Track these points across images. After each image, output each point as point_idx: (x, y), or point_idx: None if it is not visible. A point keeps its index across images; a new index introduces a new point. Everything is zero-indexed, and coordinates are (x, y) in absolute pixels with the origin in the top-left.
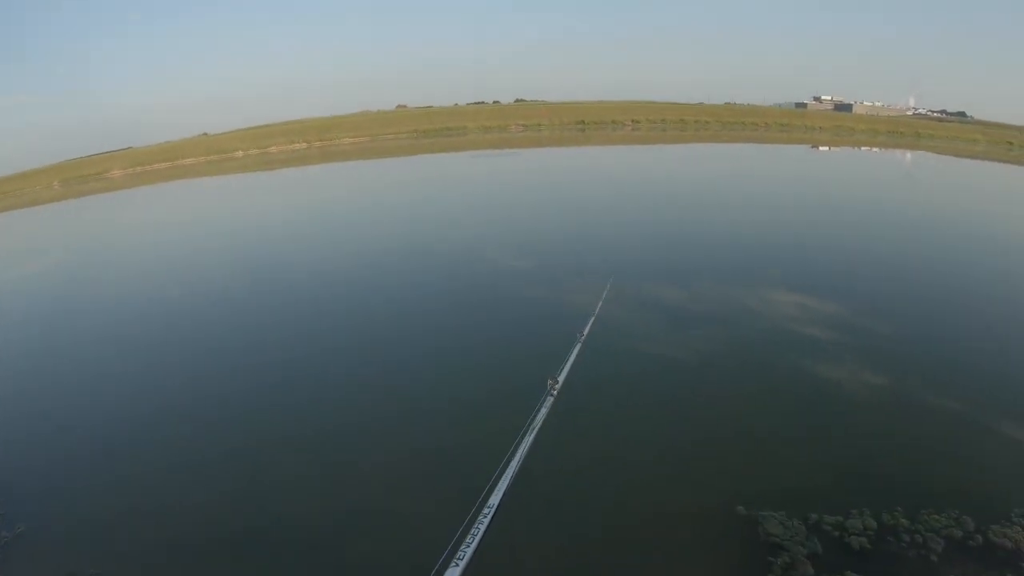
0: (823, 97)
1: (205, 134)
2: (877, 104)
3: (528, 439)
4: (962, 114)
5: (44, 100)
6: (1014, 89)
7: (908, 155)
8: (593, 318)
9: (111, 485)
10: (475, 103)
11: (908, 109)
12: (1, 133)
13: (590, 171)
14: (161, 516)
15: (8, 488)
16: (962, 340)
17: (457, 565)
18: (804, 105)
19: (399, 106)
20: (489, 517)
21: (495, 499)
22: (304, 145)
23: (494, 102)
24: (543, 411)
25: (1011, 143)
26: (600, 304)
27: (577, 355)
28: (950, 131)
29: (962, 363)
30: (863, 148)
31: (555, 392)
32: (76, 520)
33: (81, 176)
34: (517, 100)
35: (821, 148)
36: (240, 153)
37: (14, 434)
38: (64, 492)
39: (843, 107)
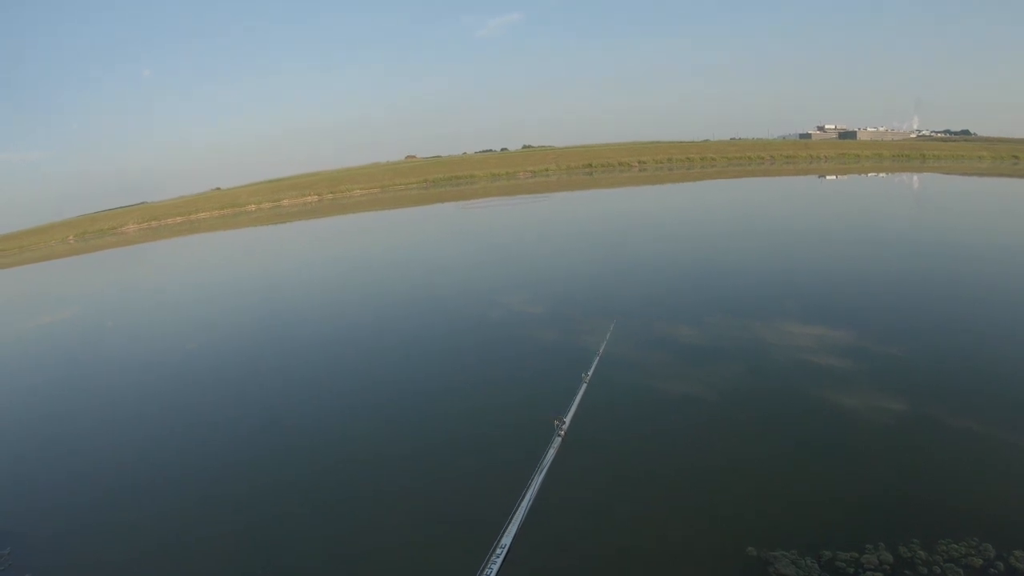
0: (827, 126)
1: (218, 188)
2: (881, 129)
3: (537, 479)
4: (966, 132)
5: (59, 155)
6: (1016, 104)
7: (915, 177)
8: (598, 358)
9: (121, 531)
10: (483, 151)
11: (912, 132)
12: (18, 188)
13: (595, 211)
14: (171, 561)
15: (17, 536)
16: (976, 358)
17: None
18: (809, 135)
19: (408, 156)
20: (501, 558)
21: (507, 540)
22: (316, 198)
23: (502, 149)
24: (551, 452)
25: (1017, 157)
26: (604, 344)
27: (583, 396)
28: (955, 150)
29: (977, 383)
30: (870, 174)
31: (562, 433)
32: (84, 567)
33: (96, 231)
34: (524, 147)
35: (828, 177)
36: (253, 207)
37: (23, 481)
38: (72, 538)
39: (847, 134)
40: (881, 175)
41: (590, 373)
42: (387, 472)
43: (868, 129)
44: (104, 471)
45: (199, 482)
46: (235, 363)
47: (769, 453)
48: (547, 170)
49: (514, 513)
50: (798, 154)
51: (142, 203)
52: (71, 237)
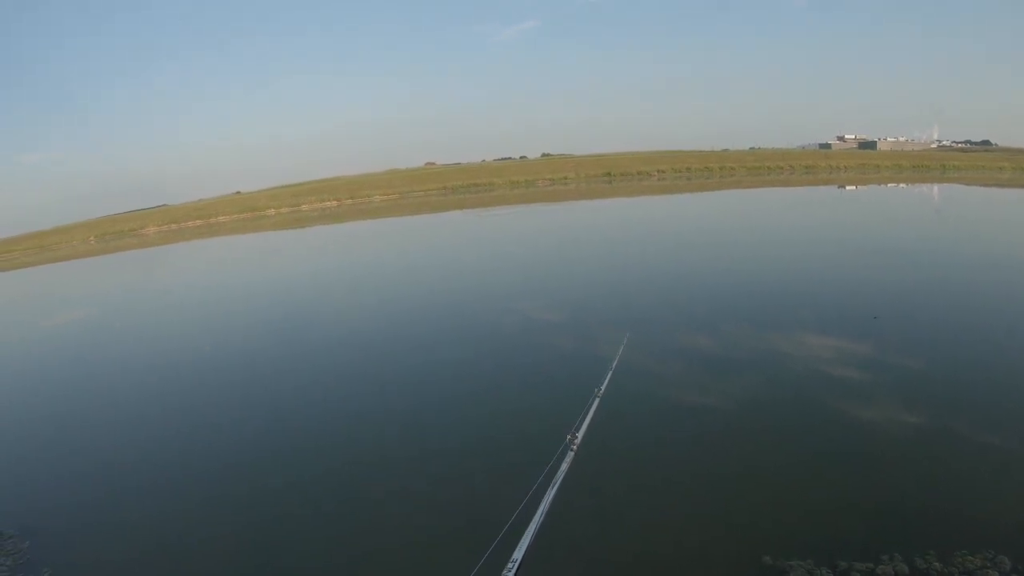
0: (847, 136)
1: (238, 192)
2: (901, 139)
3: (550, 493)
4: (987, 142)
5: (79, 157)
6: None
7: (935, 188)
8: (611, 373)
9: (138, 528)
10: (502, 159)
11: (932, 142)
12: (39, 188)
13: (607, 221)
14: (184, 558)
15: (36, 531)
16: (995, 370)
17: None
18: (828, 145)
19: (427, 163)
20: (513, 572)
21: (518, 554)
22: (335, 203)
23: (521, 157)
24: (564, 466)
25: None
26: (617, 359)
27: (595, 410)
28: (975, 161)
29: (995, 395)
30: (889, 185)
31: (575, 447)
32: (101, 563)
33: (117, 232)
34: (544, 155)
35: (848, 188)
36: (272, 211)
37: (39, 476)
38: (90, 534)
39: (867, 144)
40: (901, 186)
41: (603, 387)
42: (396, 478)
43: (888, 139)
44: (123, 470)
45: (215, 482)
46: (249, 365)
47: (785, 462)
48: (566, 178)
49: (527, 528)
50: (818, 164)
51: (162, 205)
52: (92, 238)
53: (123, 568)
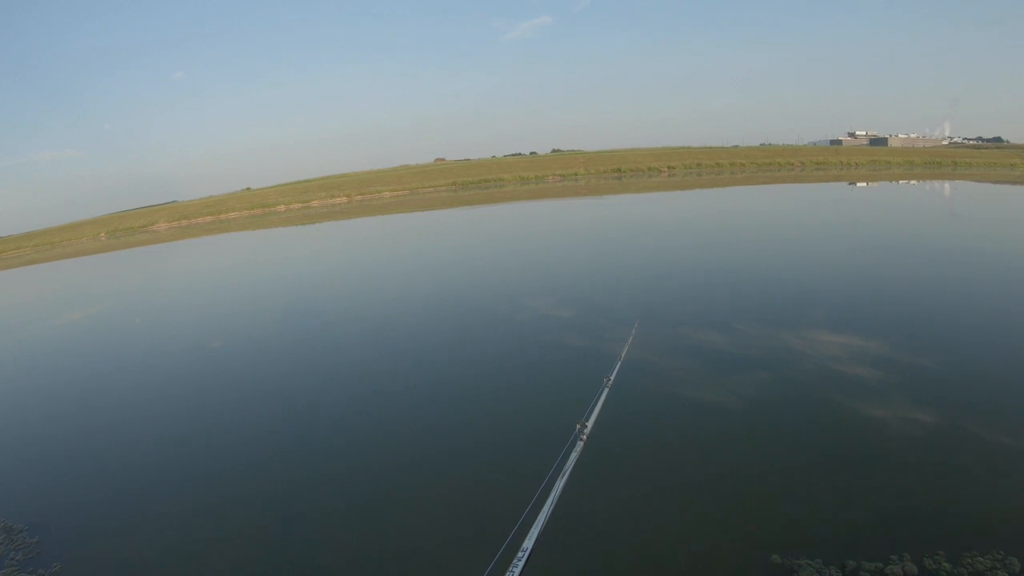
0: (858, 132)
1: (248, 188)
2: (912, 136)
3: (559, 483)
4: (998, 139)
5: (92, 154)
6: None
7: (947, 185)
8: (620, 362)
9: (146, 526)
10: (512, 155)
11: (944, 138)
12: (51, 185)
13: (616, 216)
14: (194, 556)
15: (44, 526)
16: (1008, 370)
17: None
18: (839, 142)
19: (437, 159)
20: (523, 561)
21: (528, 543)
22: (345, 199)
23: (531, 153)
24: (573, 456)
25: None
26: (626, 348)
27: (605, 400)
28: (987, 158)
29: (1007, 396)
30: (901, 182)
31: (584, 437)
32: (111, 559)
33: (127, 228)
34: (554, 150)
35: (858, 184)
36: (282, 207)
37: (49, 472)
38: (100, 530)
39: (878, 141)
40: (912, 182)
41: (612, 376)
42: (406, 472)
43: (899, 136)
44: (132, 466)
45: (224, 479)
46: (260, 363)
47: (794, 461)
48: (576, 174)
49: (536, 517)
50: (828, 160)
51: (172, 202)
52: (103, 234)
53: (132, 563)
